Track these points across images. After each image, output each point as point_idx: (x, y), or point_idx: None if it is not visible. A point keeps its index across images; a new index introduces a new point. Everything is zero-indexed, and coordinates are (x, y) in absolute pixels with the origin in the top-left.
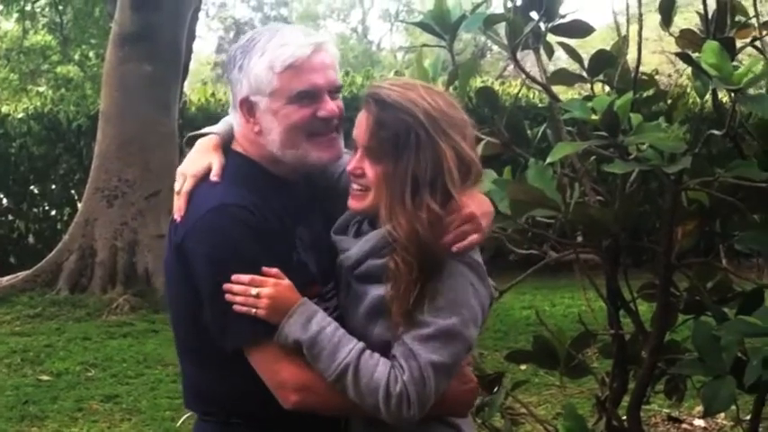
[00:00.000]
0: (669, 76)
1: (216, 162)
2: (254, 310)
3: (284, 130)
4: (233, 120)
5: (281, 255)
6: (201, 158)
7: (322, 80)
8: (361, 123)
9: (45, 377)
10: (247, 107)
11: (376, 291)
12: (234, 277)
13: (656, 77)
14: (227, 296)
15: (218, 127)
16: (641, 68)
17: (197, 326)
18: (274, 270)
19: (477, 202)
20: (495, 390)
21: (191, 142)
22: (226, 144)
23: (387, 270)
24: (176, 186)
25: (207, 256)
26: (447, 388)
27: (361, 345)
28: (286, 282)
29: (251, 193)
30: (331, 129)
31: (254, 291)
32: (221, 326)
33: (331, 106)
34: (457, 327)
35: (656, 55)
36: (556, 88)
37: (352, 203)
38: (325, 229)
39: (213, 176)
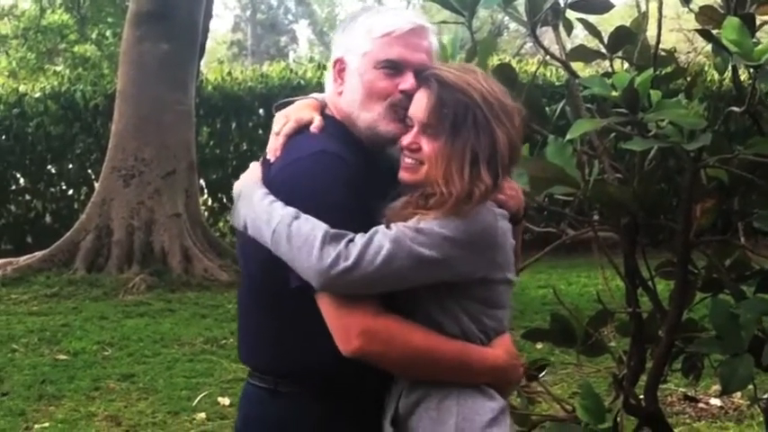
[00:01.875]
0: (687, 53)
1: (317, 117)
2: None
3: (365, 93)
4: (326, 83)
5: (365, 209)
6: (304, 111)
7: (412, 57)
8: (421, 101)
9: (62, 356)
10: (339, 67)
11: None
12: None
13: (675, 55)
14: None
15: (314, 95)
16: (660, 46)
17: (270, 270)
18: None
19: (510, 185)
20: (542, 375)
21: (279, 109)
22: (322, 109)
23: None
24: (275, 127)
25: (299, 193)
26: (499, 354)
27: (293, 211)
28: (249, 170)
29: (346, 147)
30: (406, 105)
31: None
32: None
33: (413, 82)
34: (441, 236)
35: (673, 33)
36: (574, 66)
37: (405, 175)
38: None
39: (314, 128)
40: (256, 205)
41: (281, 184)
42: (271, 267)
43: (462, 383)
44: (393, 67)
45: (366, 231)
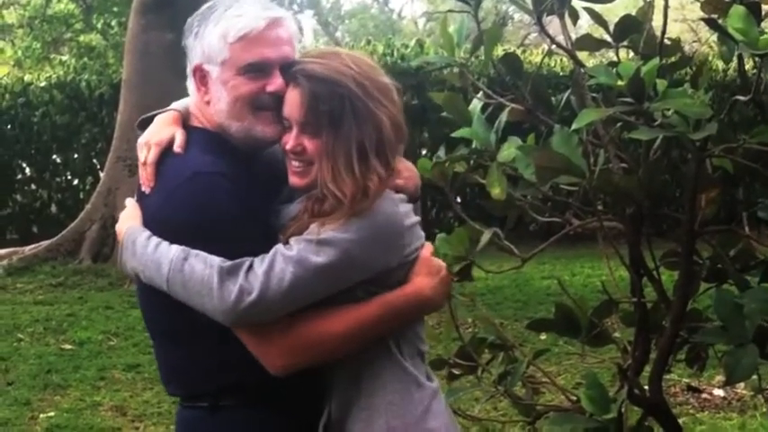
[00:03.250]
0: (691, 43)
1: (179, 133)
2: None
3: (231, 101)
4: (188, 88)
5: (258, 217)
6: (163, 130)
7: (274, 54)
8: (293, 100)
9: (67, 346)
10: (200, 75)
11: None
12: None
13: None
14: None
15: (174, 105)
16: (665, 35)
17: (166, 306)
18: (128, 200)
19: (405, 166)
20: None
21: (142, 125)
22: (184, 120)
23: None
24: (141, 157)
25: (187, 223)
26: (420, 285)
27: (182, 250)
28: (126, 210)
29: (219, 160)
30: (279, 105)
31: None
32: None
33: (280, 82)
34: (344, 241)
35: (677, 23)
36: (579, 55)
37: (295, 180)
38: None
39: (177, 147)
40: (142, 255)
41: (164, 223)
42: (172, 308)
43: (389, 373)
44: (256, 70)
45: (263, 240)
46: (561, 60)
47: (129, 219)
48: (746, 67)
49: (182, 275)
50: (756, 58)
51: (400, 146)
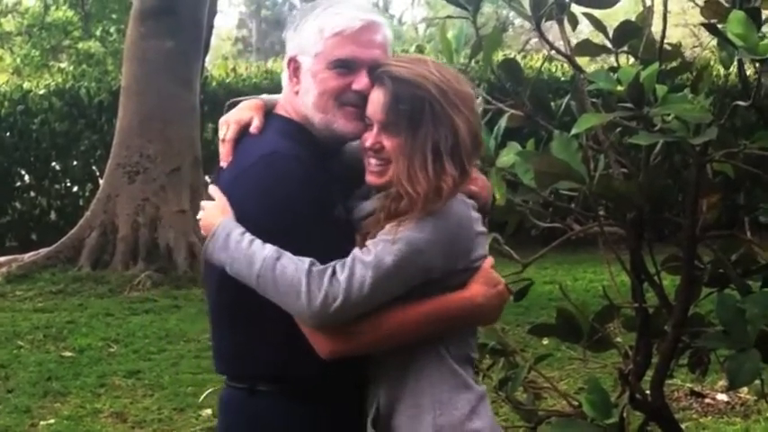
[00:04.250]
0: (692, 48)
1: (257, 117)
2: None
3: (319, 93)
4: (282, 80)
5: (328, 205)
6: (245, 112)
7: (363, 54)
8: (377, 100)
9: (67, 353)
10: (293, 66)
11: None
12: (202, 203)
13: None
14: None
15: (263, 97)
16: (665, 40)
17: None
18: (211, 188)
19: (481, 177)
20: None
21: (231, 108)
22: (268, 109)
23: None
24: (220, 134)
25: (258, 201)
26: (476, 292)
27: (275, 251)
28: (212, 203)
29: (297, 146)
30: (363, 104)
31: (199, 215)
32: None
33: (366, 81)
34: (420, 242)
35: (678, 28)
36: (579, 61)
37: (372, 179)
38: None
39: (253, 129)
40: (235, 249)
41: (239, 198)
42: (237, 284)
43: (438, 374)
44: (345, 67)
45: (328, 228)
46: (562, 66)
47: (221, 211)
48: (748, 71)
49: (273, 274)
50: (756, 64)
51: (477, 154)
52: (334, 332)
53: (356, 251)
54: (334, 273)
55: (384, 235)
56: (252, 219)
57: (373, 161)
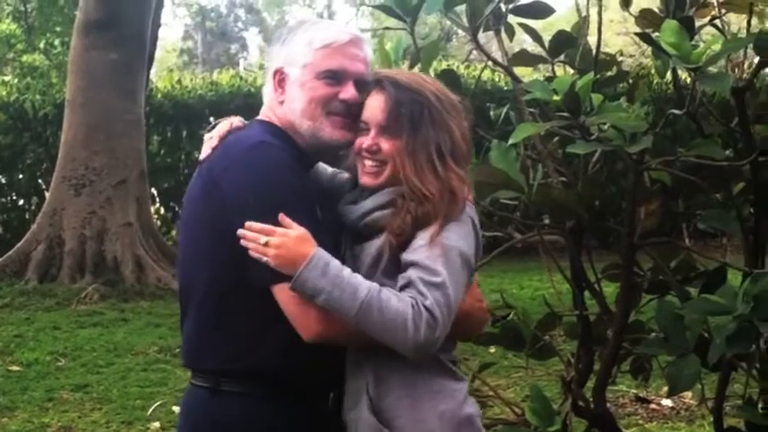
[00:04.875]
0: (632, 56)
1: (237, 119)
2: (264, 258)
3: (307, 102)
4: (264, 92)
5: (312, 197)
6: (225, 124)
7: (351, 67)
8: (376, 104)
9: (15, 367)
10: (279, 78)
11: (376, 243)
12: (247, 224)
13: (621, 58)
14: (242, 242)
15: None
16: (604, 50)
17: (215, 266)
18: (287, 220)
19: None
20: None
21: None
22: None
23: (394, 211)
24: (205, 147)
25: (249, 188)
26: (463, 304)
27: (377, 284)
28: (296, 232)
29: (281, 142)
30: (348, 114)
31: (263, 239)
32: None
33: (353, 92)
34: (463, 248)
35: (620, 36)
36: (522, 71)
37: (368, 180)
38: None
39: (237, 122)
40: (336, 277)
41: (232, 187)
42: (223, 271)
43: (436, 366)
44: (333, 77)
45: (314, 217)
46: (505, 75)
47: (302, 239)
48: (688, 80)
49: (379, 304)
50: (691, 72)
51: (470, 159)
52: (323, 315)
53: (422, 274)
54: (428, 308)
55: (430, 249)
56: (246, 204)
57: (369, 163)
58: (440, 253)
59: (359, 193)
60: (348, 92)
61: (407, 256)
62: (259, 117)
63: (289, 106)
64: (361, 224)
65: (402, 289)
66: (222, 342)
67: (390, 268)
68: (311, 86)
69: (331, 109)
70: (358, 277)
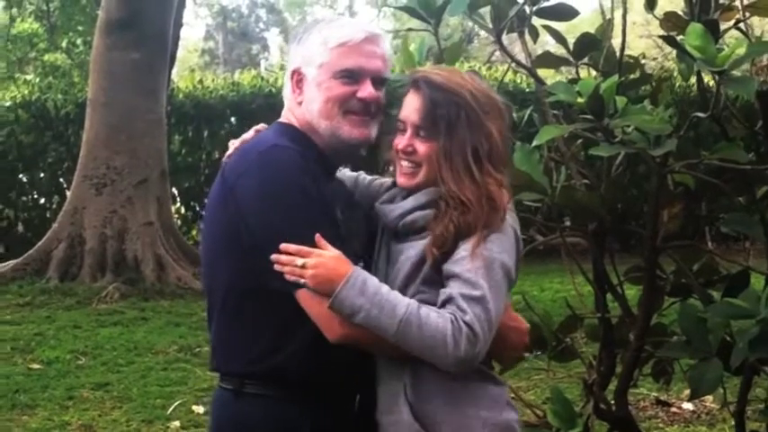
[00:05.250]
0: (655, 59)
1: (262, 126)
2: (301, 280)
3: (324, 101)
4: (284, 93)
5: (326, 199)
6: (249, 132)
7: (368, 65)
8: (412, 104)
9: (35, 366)
10: (297, 78)
11: (417, 247)
12: (282, 246)
13: (644, 61)
14: (276, 266)
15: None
16: (627, 52)
17: (234, 272)
18: (322, 241)
19: None
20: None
21: None
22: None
23: (436, 214)
24: (230, 144)
25: (259, 191)
26: (501, 327)
27: (415, 301)
28: (331, 253)
29: (297, 145)
30: (367, 112)
31: (299, 261)
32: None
33: (371, 90)
34: (505, 261)
35: (643, 39)
36: (545, 72)
37: (404, 180)
38: (356, 216)
39: (258, 127)
40: (374, 294)
41: (245, 193)
42: (239, 276)
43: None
44: (350, 76)
45: (326, 220)
46: (527, 77)
47: (338, 260)
48: (710, 83)
49: (419, 321)
50: (715, 75)
51: (507, 162)
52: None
53: (462, 289)
54: (467, 323)
55: (472, 261)
56: (258, 209)
57: (405, 164)
58: (481, 265)
59: (396, 193)
60: (366, 90)
61: (449, 267)
62: (280, 119)
63: (307, 107)
64: (399, 224)
65: (443, 304)
66: (245, 344)
67: (432, 276)
68: (328, 86)
69: (348, 108)
70: (396, 294)
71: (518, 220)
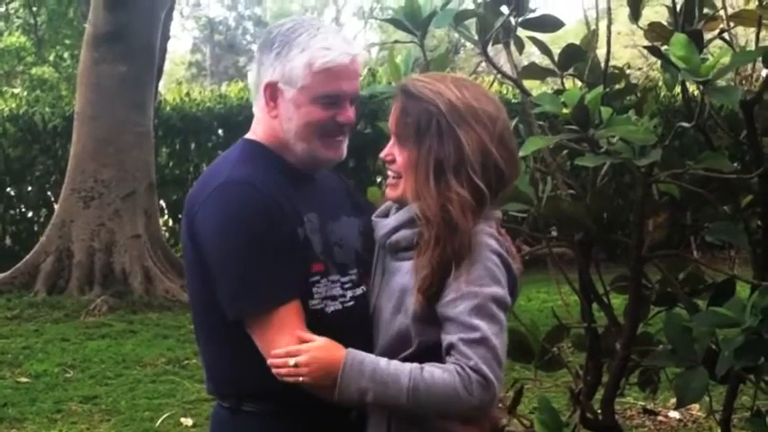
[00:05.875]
0: (640, 69)
1: None
2: (300, 378)
3: (302, 125)
4: (254, 104)
5: (286, 228)
6: None
7: (349, 88)
8: (392, 113)
9: (23, 379)
10: (271, 92)
11: (401, 278)
12: (272, 353)
13: (629, 71)
14: (273, 370)
15: None
16: (612, 62)
17: (207, 302)
18: (307, 335)
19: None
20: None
21: None
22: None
23: (418, 240)
24: None
25: (214, 228)
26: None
27: (415, 364)
28: (318, 342)
29: (257, 170)
30: (342, 132)
31: (291, 361)
32: (226, 296)
33: (349, 113)
34: (495, 292)
35: (627, 49)
36: (531, 83)
37: (389, 192)
38: (352, 223)
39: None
40: (374, 372)
41: (199, 227)
42: (212, 301)
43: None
44: (331, 102)
45: (283, 253)
46: (513, 88)
47: (327, 348)
48: (695, 93)
49: (424, 383)
50: (700, 85)
51: (500, 179)
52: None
53: (461, 333)
54: (475, 368)
55: (463, 301)
56: (210, 244)
57: (390, 174)
58: (473, 305)
59: (391, 205)
60: (345, 114)
61: (442, 310)
62: (247, 135)
63: (282, 125)
64: (386, 243)
65: (447, 352)
66: (233, 368)
67: (429, 317)
68: (307, 110)
69: (325, 130)
70: (396, 365)
71: (498, 235)
